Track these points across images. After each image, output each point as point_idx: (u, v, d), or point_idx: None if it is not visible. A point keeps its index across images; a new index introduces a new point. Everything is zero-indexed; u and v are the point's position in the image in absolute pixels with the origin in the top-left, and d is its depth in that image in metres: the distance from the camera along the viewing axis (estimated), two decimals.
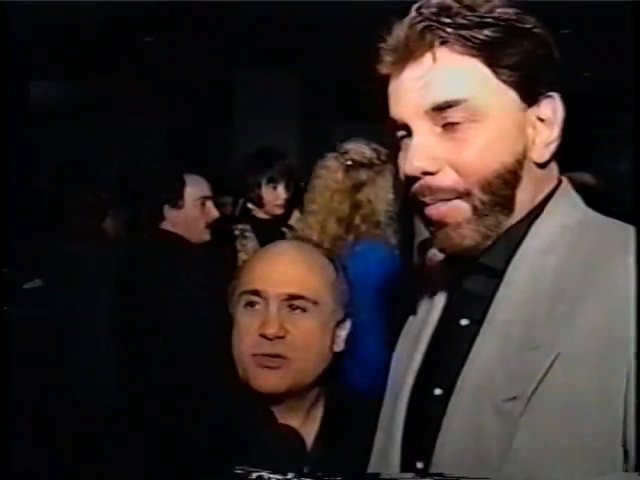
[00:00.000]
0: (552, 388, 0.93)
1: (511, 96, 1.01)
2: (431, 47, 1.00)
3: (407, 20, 1.02)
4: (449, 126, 1.00)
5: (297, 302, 1.37)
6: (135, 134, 8.72)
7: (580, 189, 1.11)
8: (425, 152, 1.01)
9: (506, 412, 0.95)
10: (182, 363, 2.65)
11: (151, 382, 2.74)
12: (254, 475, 0.97)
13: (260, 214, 3.33)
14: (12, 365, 1.99)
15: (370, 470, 1.15)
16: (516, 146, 1.01)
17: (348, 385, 1.63)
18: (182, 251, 3.00)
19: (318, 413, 1.42)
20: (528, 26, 1.01)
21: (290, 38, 6.17)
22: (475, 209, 1.01)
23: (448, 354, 1.06)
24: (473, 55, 0.99)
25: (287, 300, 1.36)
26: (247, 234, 3.23)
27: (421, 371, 1.10)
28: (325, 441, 1.39)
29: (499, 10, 1.00)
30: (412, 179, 1.03)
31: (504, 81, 1.00)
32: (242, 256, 3.08)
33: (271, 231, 3.13)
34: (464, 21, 0.99)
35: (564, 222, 1.03)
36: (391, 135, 1.07)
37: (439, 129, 1.01)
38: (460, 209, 1.01)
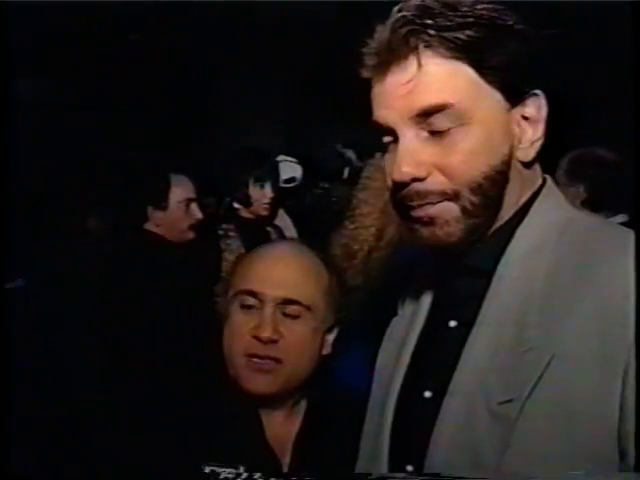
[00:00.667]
0: (547, 390, 0.92)
1: (496, 97, 1.00)
2: (415, 51, 0.99)
3: (389, 23, 1.01)
4: (435, 130, 0.99)
5: (292, 307, 1.38)
6: (119, 133, 8.67)
7: (593, 164, 1.11)
8: (413, 158, 1.00)
9: (501, 415, 0.94)
10: (165, 361, 2.64)
11: (133, 379, 2.73)
12: (207, 469, 0.98)
13: (246, 214, 3.33)
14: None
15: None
16: (502, 147, 1.01)
17: (332, 383, 1.63)
18: (164, 253, 2.99)
19: (301, 409, 1.44)
20: (510, 23, 1.01)
21: (277, 37, 6.16)
22: (465, 210, 1.01)
23: (437, 356, 1.06)
24: (458, 57, 0.98)
25: (282, 304, 1.37)
26: (231, 234, 3.23)
27: (409, 373, 1.10)
28: (306, 437, 1.41)
29: (480, 7, 1.00)
30: (400, 184, 1.02)
31: (489, 82, 1.00)
32: (226, 256, 3.09)
33: (256, 231, 3.13)
34: (446, 22, 0.98)
35: (552, 221, 1.03)
36: (376, 138, 1.06)
37: (426, 133, 1.00)
38: (449, 210, 1.01)
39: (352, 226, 2.35)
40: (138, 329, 2.80)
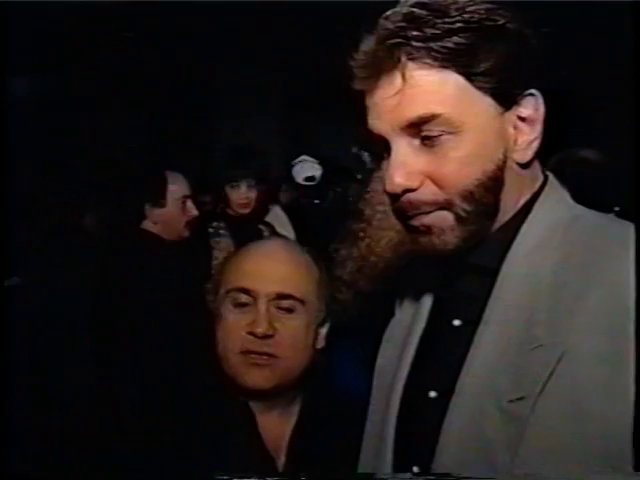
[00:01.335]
0: (558, 386, 0.92)
1: (487, 102, 0.99)
2: (399, 64, 0.97)
3: (374, 35, 1.00)
4: (427, 139, 0.99)
5: (286, 301, 1.38)
6: (116, 132, 8.65)
7: (579, 164, 1.11)
8: (405, 168, 1.00)
9: (512, 412, 0.94)
10: (161, 361, 2.64)
11: (129, 378, 2.73)
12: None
13: (231, 212, 3.35)
14: None
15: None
16: (496, 152, 1.00)
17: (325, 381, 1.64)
18: (161, 252, 2.99)
19: (295, 409, 1.44)
20: (501, 22, 0.98)
21: (275, 36, 6.15)
22: (459, 218, 1.00)
23: (441, 356, 1.05)
24: (445, 66, 0.97)
25: (276, 299, 1.38)
26: (221, 232, 3.25)
27: (412, 374, 1.09)
28: (301, 436, 1.41)
29: (469, 9, 0.98)
30: (394, 195, 1.02)
31: (479, 88, 0.98)
32: (216, 254, 3.10)
33: (246, 229, 3.14)
34: (433, 30, 0.96)
35: (556, 218, 1.03)
36: (376, 145, 1.05)
37: (417, 143, 1.00)
38: (444, 218, 1.01)
39: (368, 239, 2.25)
40: (136, 328, 2.80)
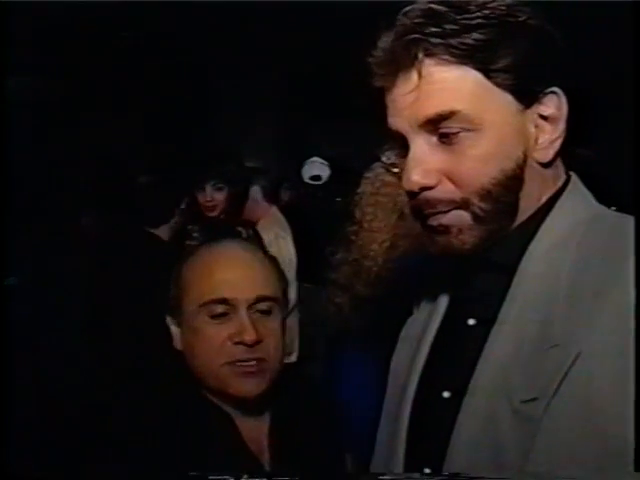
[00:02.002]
0: (573, 387, 0.90)
1: (507, 99, 0.97)
2: (416, 60, 0.96)
3: (393, 32, 0.98)
4: (445, 137, 0.97)
5: (264, 304, 1.37)
6: (114, 133, 8.65)
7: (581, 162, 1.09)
8: (422, 166, 0.98)
9: (525, 413, 0.92)
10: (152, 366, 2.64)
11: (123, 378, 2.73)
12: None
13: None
14: None
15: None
16: (516, 150, 0.98)
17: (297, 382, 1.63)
18: (161, 252, 2.99)
19: (268, 408, 1.42)
20: (522, 18, 0.97)
21: (275, 37, 6.15)
22: (476, 217, 0.99)
23: (455, 356, 1.04)
24: (463, 63, 0.95)
25: (255, 303, 1.36)
26: (195, 234, 3.23)
27: (426, 374, 1.08)
28: (278, 434, 1.40)
29: (490, 5, 0.96)
30: (411, 193, 1.01)
31: (498, 84, 0.96)
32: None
33: (223, 231, 3.12)
34: (452, 26, 0.95)
35: (577, 217, 1.01)
36: (396, 143, 1.04)
37: (435, 140, 0.98)
38: (461, 217, 0.99)
39: (360, 242, 2.25)
40: (135, 328, 2.80)
